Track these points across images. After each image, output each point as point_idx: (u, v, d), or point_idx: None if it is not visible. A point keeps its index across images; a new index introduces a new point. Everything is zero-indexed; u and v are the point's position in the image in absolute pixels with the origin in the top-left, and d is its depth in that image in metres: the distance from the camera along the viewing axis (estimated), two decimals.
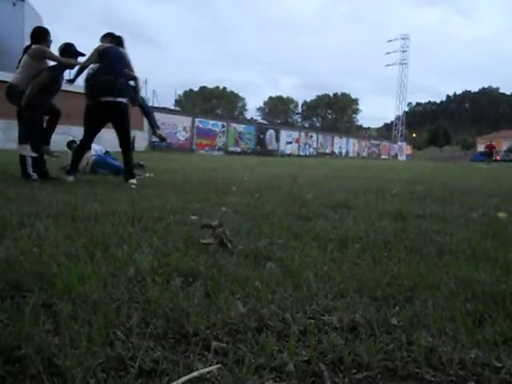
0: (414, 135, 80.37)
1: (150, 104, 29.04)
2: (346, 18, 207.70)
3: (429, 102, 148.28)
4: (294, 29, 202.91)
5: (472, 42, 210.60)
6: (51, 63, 5.68)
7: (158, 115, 30.51)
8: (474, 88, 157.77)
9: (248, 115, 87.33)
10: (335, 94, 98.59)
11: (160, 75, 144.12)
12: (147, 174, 7.01)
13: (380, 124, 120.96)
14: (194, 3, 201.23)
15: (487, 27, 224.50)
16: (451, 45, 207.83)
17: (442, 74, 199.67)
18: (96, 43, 5.80)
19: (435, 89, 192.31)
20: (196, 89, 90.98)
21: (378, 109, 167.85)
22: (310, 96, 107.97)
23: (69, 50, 5.77)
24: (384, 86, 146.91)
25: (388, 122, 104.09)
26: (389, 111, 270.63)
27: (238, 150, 35.30)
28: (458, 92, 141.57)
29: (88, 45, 6.01)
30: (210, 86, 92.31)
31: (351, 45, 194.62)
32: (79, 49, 5.88)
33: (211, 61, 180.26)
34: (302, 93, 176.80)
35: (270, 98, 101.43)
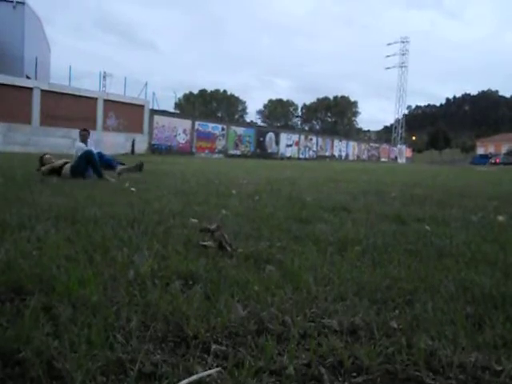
0: (413, 138, 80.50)
1: (150, 107, 29.11)
2: (337, 21, 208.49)
3: (428, 105, 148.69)
4: (287, 31, 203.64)
5: (469, 44, 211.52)
6: None
7: (157, 118, 30.52)
8: (474, 91, 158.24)
9: (248, 118, 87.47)
10: (335, 97, 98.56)
11: (159, 78, 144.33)
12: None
13: (380, 127, 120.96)
14: (189, 7, 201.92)
15: (482, 29, 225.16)
16: (448, 48, 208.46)
17: (442, 78, 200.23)
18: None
19: (434, 92, 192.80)
20: (195, 92, 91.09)
21: (377, 112, 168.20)
22: (307, 99, 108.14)
23: None
24: (383, 89, 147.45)
25: (388, 124, 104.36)
26: (388, 114, 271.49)
27: (238, 152, 35.33)
28: (458, 95, 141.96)
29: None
30: (208, 88, 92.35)
31: (345, 47, 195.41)
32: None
33: (208, 64, 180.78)
34: (298, 96, 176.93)
35: (270, 100, 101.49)
